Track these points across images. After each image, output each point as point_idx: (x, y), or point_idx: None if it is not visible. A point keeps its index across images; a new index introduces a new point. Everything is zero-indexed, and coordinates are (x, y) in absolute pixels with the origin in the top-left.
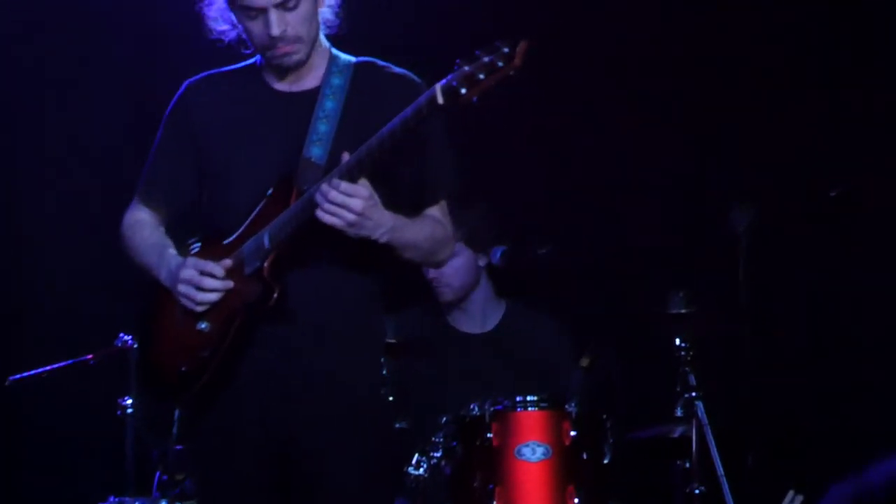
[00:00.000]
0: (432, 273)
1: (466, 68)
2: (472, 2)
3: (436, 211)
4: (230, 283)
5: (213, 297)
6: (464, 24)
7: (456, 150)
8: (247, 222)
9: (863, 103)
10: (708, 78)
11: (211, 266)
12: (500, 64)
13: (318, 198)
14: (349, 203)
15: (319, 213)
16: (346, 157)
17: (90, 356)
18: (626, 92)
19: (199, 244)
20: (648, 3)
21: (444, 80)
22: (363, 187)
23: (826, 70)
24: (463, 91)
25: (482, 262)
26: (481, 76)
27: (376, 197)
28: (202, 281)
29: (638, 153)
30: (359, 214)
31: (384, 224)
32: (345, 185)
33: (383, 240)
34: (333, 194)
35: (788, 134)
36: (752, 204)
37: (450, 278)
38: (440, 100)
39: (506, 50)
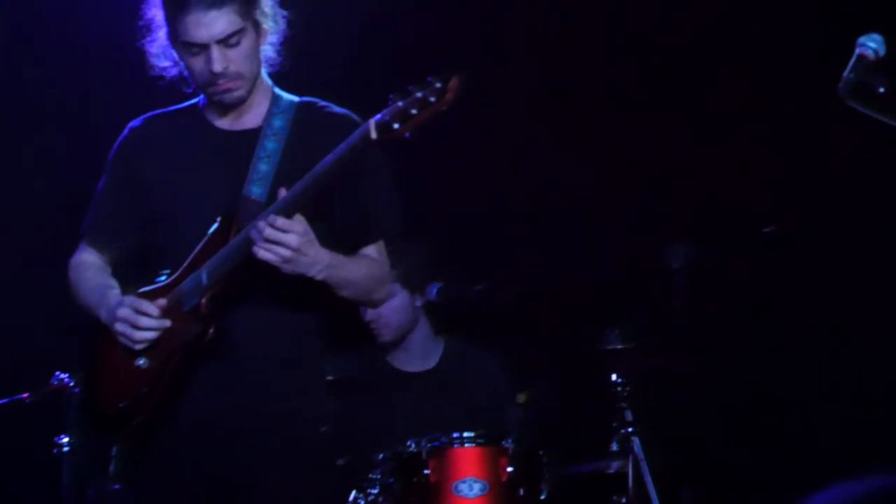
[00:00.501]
0: (370, 315)
1: (399, 104)
2: (410, 36)
3: (373, 250)
4: (166, 323)
5: (149, 335)
6: (402, 58)
7: (397, 192)
8: (188, 260)
9: (796, 140)
10: (644, 114)
11: (146, 305)
12: (433, 99)
13: (254, 234)
14: (284, 239)
15: (255, 249)
16: (282, 192)
17: (26, 395)
18: (561, 128)
19: (142, 284)
20: (586, 38)
21: (377, 116)
22: (298, 223)
23: (762, 107)
24: (396, 126)
25: (419, 303)
26: (414, 111)
27: (311, 234)
28: (137, 320)
29: (574, 188)
30: (294, 250)
31: (320, 261)
32: (280, 221)
33: (319, 277)
34: (268, 231)
35: (724, 170)
36: (688, 241)
37: (388, 319)
38: (374, 135)
39: (438, 85)
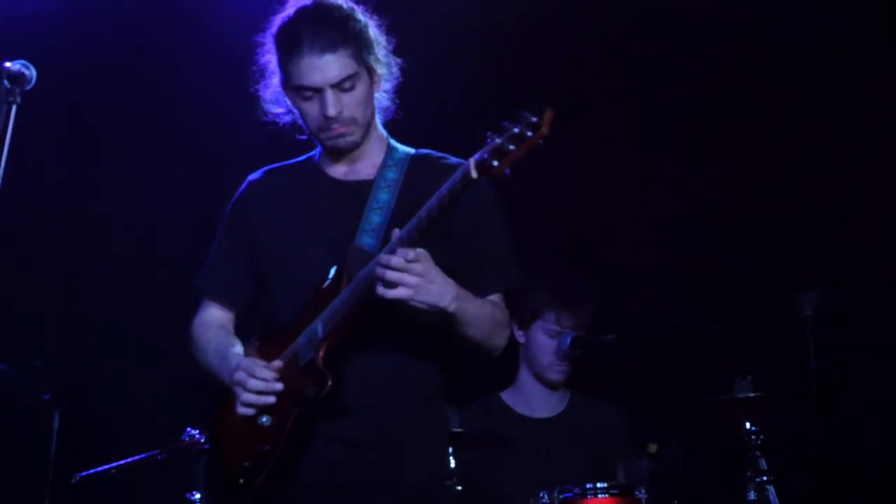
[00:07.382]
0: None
1: (497, 140)
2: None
3: (495, 298)
4: (278, 386)
5: (258, 398)
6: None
7: (515, 243)
8: (302, 313)
9: None
10: (773, 158)
11: (259, 370)
12: (529, 133)
13: (379, 270)
14: (411, 267)
15: (381, 290)
16: (395, 233)
17: (158, 451)
18: (686, 175)
19: (258, 341)
20: (705, 77)
21: (476, 155)
22: (421, 251)
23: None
24: (495, 163)
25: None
26: (511, 147)
27: (434, 264)
28: (247, 382)
29: (702, 237)
30: (421, 276)
31: (449, 292)
32: (403, 251)
33: (451, 308)
34: (395, 260)
35: (855, 217)
36: (818, 288)
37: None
38: (474, 174)
39: (534, 119)
